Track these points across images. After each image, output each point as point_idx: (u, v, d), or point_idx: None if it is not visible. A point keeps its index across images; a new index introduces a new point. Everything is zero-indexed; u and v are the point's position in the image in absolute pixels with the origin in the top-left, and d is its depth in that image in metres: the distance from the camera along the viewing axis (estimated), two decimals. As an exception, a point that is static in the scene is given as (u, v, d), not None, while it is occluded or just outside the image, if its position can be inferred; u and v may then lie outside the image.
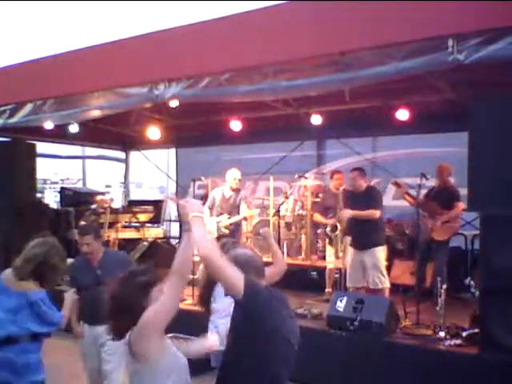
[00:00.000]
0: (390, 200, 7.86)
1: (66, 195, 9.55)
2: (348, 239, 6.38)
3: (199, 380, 2.20)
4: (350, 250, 6.24)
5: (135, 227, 8.87)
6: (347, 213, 6.11)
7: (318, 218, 7.05)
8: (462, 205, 6.15)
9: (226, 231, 7.03)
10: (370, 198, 6.14)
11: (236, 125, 8.67)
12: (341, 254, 6.53)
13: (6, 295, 3.33)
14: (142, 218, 8.82)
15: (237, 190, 7.23)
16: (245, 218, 7.47)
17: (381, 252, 6.08)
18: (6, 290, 3.34)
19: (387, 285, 6.05)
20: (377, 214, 6.05)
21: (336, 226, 6.35)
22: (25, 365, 3.30)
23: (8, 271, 3.41)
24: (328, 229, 6.50)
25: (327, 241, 6.62)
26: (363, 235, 6.06)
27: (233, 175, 7.17)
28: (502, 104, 4.36)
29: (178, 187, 11.17)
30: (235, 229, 7.16)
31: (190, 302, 6.24)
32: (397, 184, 6.68)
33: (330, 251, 6.78)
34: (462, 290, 7.08)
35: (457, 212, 6.36)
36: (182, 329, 2.96)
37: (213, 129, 9.33)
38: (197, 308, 4.16)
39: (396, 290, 6.20)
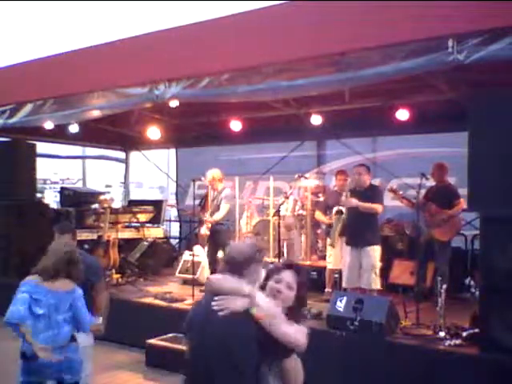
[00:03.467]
0: (390, 200, 7.85)
1: (66, 195, 9.51)
2: (343, 239, 6.36)
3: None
4: (347, 250, 6.20)
5: (135, 227, 8.86)
6: (353, 201, 6.03)
7: (319, 216, 7.04)
8: (463, 201, 6.12)
9: (207, 232, 7.22)
10: (373, 195, 6.13)
11: (236, 125, 8.67)
12: (332, 252, 6.60)
13: (52, 296, 3.41)
14: (142, 218, 8.79)
15: (217, 190, 7.22)
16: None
17: (377, 252, 6.07)
18: (49, 291, 3.42)
19: (378, 286, 6.03)
20: (380, 208, 6.08)
21: (341, 211, 6.29)
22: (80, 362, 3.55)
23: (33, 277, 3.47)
24: (334, 210, 6.44)
25: (328, 241, 6.58)
26: (360, 233, 6.05)
27: (206, 174, 7.24)
28: (502, 104, 4.36)
29: (178, 187, 11.18)
30: (219, 228, 7.12)
31: (190, 302, 6.24)
32: (393, 191, 6.69)
33: (330, 251, 6.78)
34: (462, 289, 7.08)
35: (459, 208, 6.35)
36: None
37: (213, 129, 9.33)
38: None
39: (396, 290, 6.20)
